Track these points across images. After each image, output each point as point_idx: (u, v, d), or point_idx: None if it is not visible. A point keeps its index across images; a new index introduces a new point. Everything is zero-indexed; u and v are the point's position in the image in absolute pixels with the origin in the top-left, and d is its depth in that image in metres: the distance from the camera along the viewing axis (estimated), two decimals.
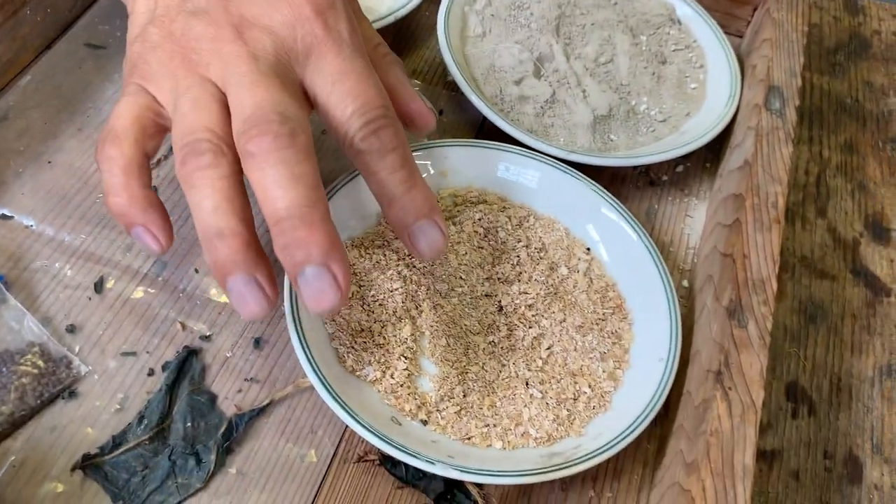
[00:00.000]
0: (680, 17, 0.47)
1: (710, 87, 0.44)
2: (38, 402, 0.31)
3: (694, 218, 0.41)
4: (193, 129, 0.27)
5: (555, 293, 0.35)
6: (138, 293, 0.34)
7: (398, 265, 0.34)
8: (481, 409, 0.32)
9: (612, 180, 0.42)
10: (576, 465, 0.29)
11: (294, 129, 0.27)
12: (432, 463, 0.28)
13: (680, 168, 0.43)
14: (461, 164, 0.38)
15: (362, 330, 0.33)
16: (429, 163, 0.38)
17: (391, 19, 0.43)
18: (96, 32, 0.43)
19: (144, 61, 0.30)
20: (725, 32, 0.48)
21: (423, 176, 0.36)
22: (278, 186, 0.26)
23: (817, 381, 0.37)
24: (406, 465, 0.30)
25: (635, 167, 0.42)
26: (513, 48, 0.43)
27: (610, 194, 0.37)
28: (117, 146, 0.29)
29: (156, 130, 0.30)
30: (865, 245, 0.42)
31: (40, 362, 0.31)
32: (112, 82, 0.41)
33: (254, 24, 0.29)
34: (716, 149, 0.43)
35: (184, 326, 0.34)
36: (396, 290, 0.33)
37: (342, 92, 0.29)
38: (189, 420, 0.31)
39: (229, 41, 0.28)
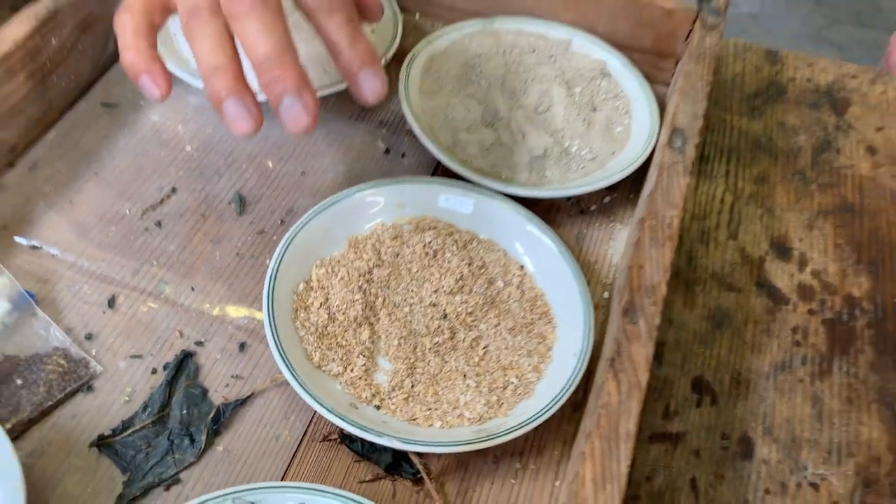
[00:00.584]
0: (610, 71, 0.54)
1: (633, 130, 0.51)
2: (62, 394, 0.37)
3: (617, 240, 0.48)
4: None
5: (491, 302, 0.42)
6: (144, 307, 0.41)
7: (359, 280, 0.41)
8: (426, 396, 0.38)
9: (548, 210, 0.49)
10: (499, 437, 0.36)
11: None
12: (380, 436, 0.35)
13: (607, 199, 0.50)
14: (417, 197, 0.45)
15: (327, 333, 0.39)
16: (389, 196, 0.45)
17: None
18: (110, 93, 0.51)
19: None
20: (653, 82, 0.56)
21: (383, 206, 0.44)
22: (257, 37, 0.33)
23: (720, 376, 0.44)
24: (362, 441, 0.37)
25: (568, 198, 0.49)
26: (464, 101, 0.51)
27: (540, 220, 0.44)
28: (130, 14, 0.36)
29: (161, 6, 0.37)
30: (770, 262, 0.49)
31: (63, 363, 0.38)
32: (123, 135, 0.49)
33: None
34: (640, 181, 0.50)
35: (181, 334, 0.41)
36: (357, 300, 0.40)
37: None
38: (185, 408, 0.38)
39: None
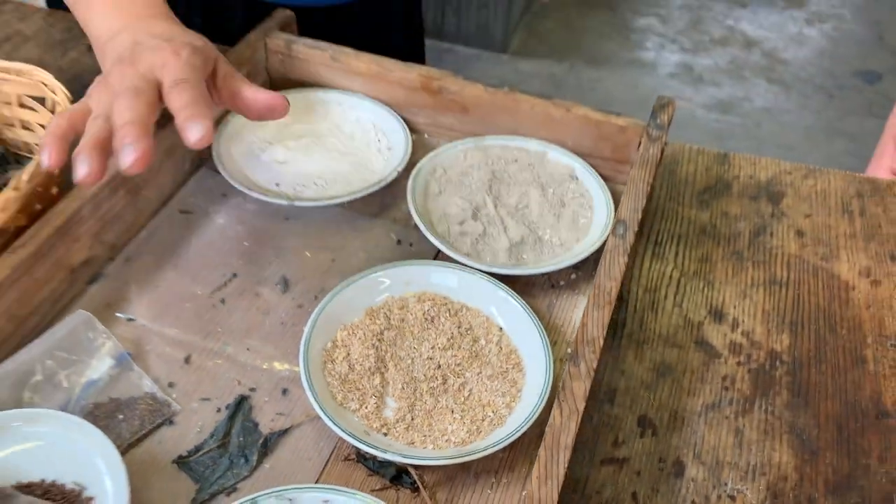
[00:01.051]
0: (577, 175, 0.68)
1: (594, 221, 0.64)
2: (151, 426, 0.50)
3: (580, 309, 0.60)
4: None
5: (475, 356, 0.54)
6: (211, 363, 0.55)
7: (373, 340, 0.54)
8: (422, 426, 0.50)
9: (525, 285, 0.61)
10: (477, 454, 0.47)
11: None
12: (386, 453, 0.47)
13: (573, 276, 0.62)
14: (418, 276, 0.58)
15: (348, 380, 0.52)
16: (397, 277, 0.58)
17: (381, 184, 0.65)
18: (186, 203, 0.66)
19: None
20: (614, 182, 0.69)
21: (393, 284, 0.57)
22: (122, 112, 0.48)
23: (661, 414, 0.55)
24: (373, 458, 0.49)
25: (542, 275, 0.62)
26: (458, 201, 0.64)
27: (514, 292, 0.57)
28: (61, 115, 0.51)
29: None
30: (707, 325, 0.61)
31: (152, 403, 0.51)
32: (196, 235, 0.63)
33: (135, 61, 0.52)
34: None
35: (239, 383, 0.54)
36: (371, 355, 0.53)
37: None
38: (241, 436, 0.50)
39: (128, 73, 0.51)
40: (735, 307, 0.62)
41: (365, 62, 0.72)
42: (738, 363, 0.58)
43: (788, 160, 0.75)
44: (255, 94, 0.56)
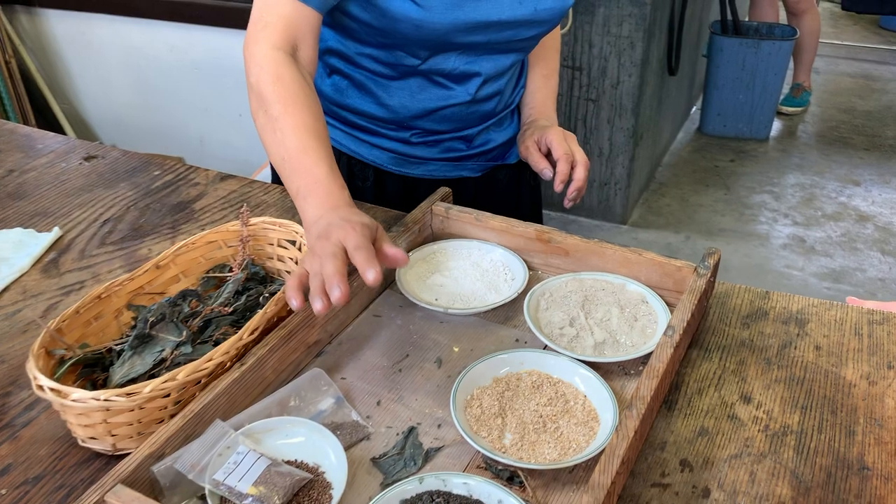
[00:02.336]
0: (647, 300, 0.95)
1: (658, 331, 0.91)
2: (356, 440, 0.80)
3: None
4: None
5: (566, 411, 0.81)
6: (393, 406, 0.84)
7: (497, 396, 0.82)
8: (528, 450, 0.77)
9: (605, 373, 0.88)
10: (564, 464, 0.73)
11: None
12: (504, 459, 0.74)
13: (641, 367, 0.88)
14: (530, 359, 0.87)
15: (481, 420, 0.80)
16: (516, 360, 0.87)
17: (506, 300, 0.95)
18: (378, 310, 0.98)
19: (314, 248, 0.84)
20: (675, 306, 0.96)
21: (512, 364, 0.86)
22: (323, 265, 0.80)
23: (697, 459, 0.78)
24: (496, 466, 0.76)
25: (617, 364, 0.88)
26: (559, 314, 0.93)
27: (594, 371, 0.84)
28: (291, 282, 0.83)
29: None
30: (738, 406, 0.84)
31: (356, 426, 0.81)
32: (385, 331, 0.95)
33: (348, 237, 0.82)
34: None
35: (410, 419, 0.82)
36: (495, 404, 0.81)
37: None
38: (411, 449, 0.79)
39: (326, 245, 0.82)
40: (760, 395, 0.86)
41: (498, 221, 1.05)
42: (758, 430, 0.81)
43: None
44: (387, 250, 0.88)
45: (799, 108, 4.10)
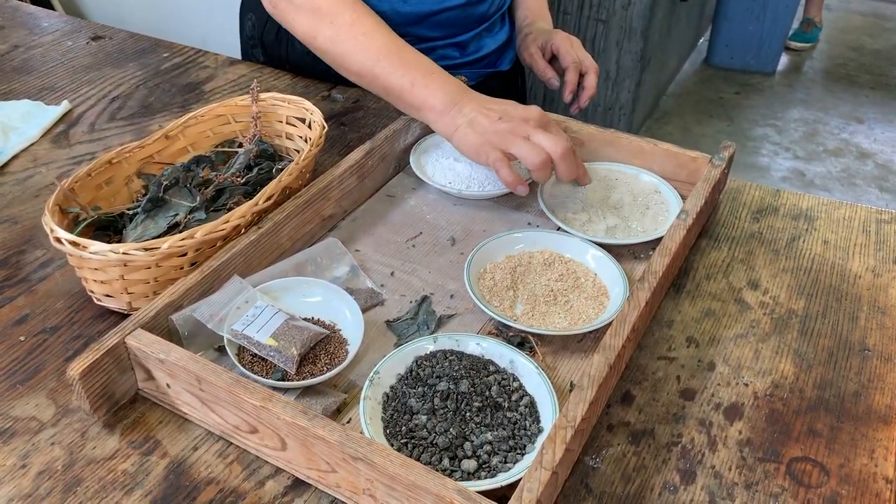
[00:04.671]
0: (660, 190, 0.96)
1: (668, 220, 0.92)
2: (370, 304, 0.81)
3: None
4: (538, 152, 0.84)
5: (577, 286, 0.82)
6: (407, 276, 0.85)
7: (509, 270, 0.83)
8: (538, 320, 0.78)
9: (616, 255, 0.88)
10: (573, 331, 0.75)
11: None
12: (515, 325, 0.75)
13: (650, 252, 0.90)
14: (543, 239, 0.87)
15: (494, 289, 0.81)
16: (528, 239, 0.87)
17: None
18: (391, 190, 0.98)
19: (491, 140, 0.86)
20: (685, 194, 0.97)
21: (525, 244, 0.86)
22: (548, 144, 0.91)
23: (703, 336, 0.80)
24: (507, 331, 0.77)
25: (627, 246, 0.89)
26: (575, 202, 0.94)
27: (606, 251, 0.85)
28: (503, 165, 0.86)
29: (507, 159, 0.86)
30: (745, 291, 0.86)
31: (371, 292, 0.82)
32: (397, 210, 0.95)
33: (528, 119, 0.87)
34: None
35: (423, 289, 0.84)
36: (507, 277, 0.82)
37: (561, 135, 0.86)
38: (425, 314, 0.80)
39: (525, 125, 0.85)
40: (767, 282, 0.87)
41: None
42: (764, 313, 0.83)
43: None
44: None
45: (808, 45, 4.04)
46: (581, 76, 1.17)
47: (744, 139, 3.29)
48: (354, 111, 1.19)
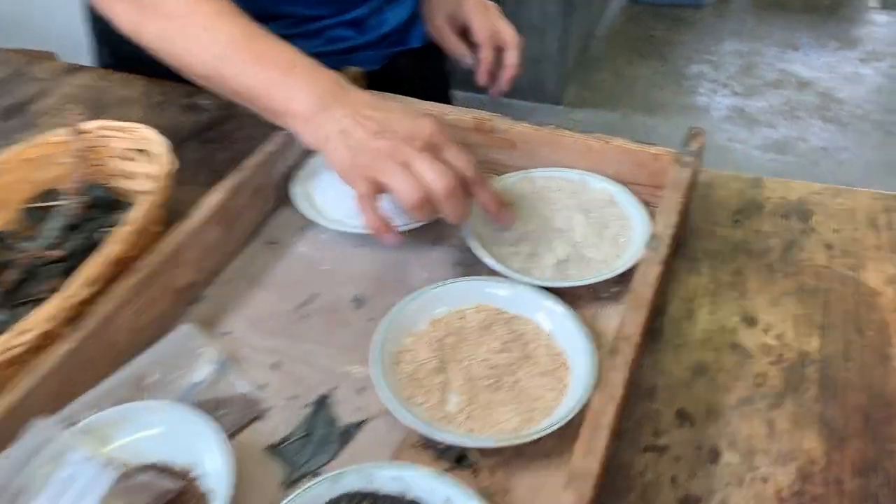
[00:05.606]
0: (616, 200, 0.75)
1: (633, 241, 0.71)
2: (246, 420, 0.59)
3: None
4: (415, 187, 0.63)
5: (526, 358, 0.61)
6: (296, 368, 0.63)
7: (436, 345, 0.61)
8: (480, 417, 0.57)
9: (572, 298, 0.68)
10: (527, 438, 0.54)
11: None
12: (447, 437, 0.54)
13: (615, 289, 0.69)
14: (476, 291, 0.66)
15: (415, 379, 0.59)
16: (458, 291, 0.66)
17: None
18: (272, 234, 0.75)
19: (362, 164, 0.64)
20: (652, 206, 0.76)
21: (454, 298, 0.64)
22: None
23: (698, 409, 0.60)
24: (438, 444, 0.56)
25: (586, 287, 0.68)
26: (515, 232, 0.72)
27: (560, 300, 0.64)
28: (368, 204, 0.64)
29: (380, 191, 0.65)
30: (741, 330, 0.66)
31: (246, 401, 0.60)
32: (281, 262, 0.72)
33: (414, 137, 0.64)
34: None
35: (321, 384, 0.61)
36: (434, 357, 0.60)
37: (461, 159, 0.65)
38: (323, 428, 0.58)
39: (407, 147, 0.63)
40: (767, 314, 0.67)
41: (427, 107, 0.81)
42: (770, 362, 0.63)
43: None
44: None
45: None
46: (500, 51, 0.95)
47: (680, 78, 3.11)
48: (225, 122, 0.94)
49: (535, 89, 2.87)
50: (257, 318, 0.67)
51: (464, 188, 0.66)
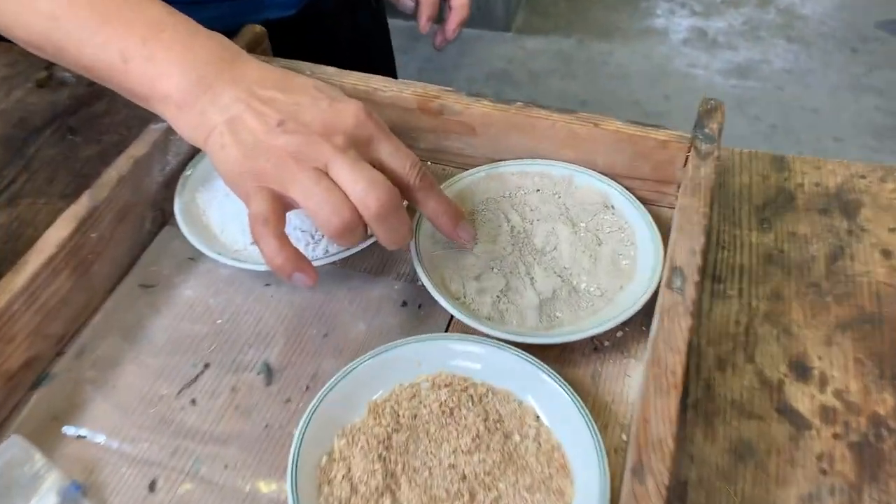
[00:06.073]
0: (612, 203, 0.56)
1: (639, 262, 0.53)
2: None
3: (632, 377, 0.49)
4: (336, 204, 0.43)
5: (509, 458, 0.43)
6: (182, 489, 0.44)
7: (379, 448, 0.43)
8: None
9: (562, 350, 0.50)
10: None
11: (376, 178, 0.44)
12: None
13: (620, 334, 0.51)
14: (431, 354, 0.47)
15: None
16: (406, 356, 0.47)
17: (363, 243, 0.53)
18: (147, 274, 0.55)
19: (259, 169, 0.44)
20: (659, 206, 0.58)
21: (401, 366, 0.46)
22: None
23: None
24: None
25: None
26: (472, 249, 0.53)
27: (550, 369, 0.46)
28: (268, 226, 0.43)
29: (284, 209, 0.45)
30: (789, 384, 0.49)
31: None
32: (160, 313, 0.52)
33: (333, 130, 0.45)
34: (651, 312, 0.51)
35: None
36: (377, 469, 0.42)
37: (400, 157, 0.46)
38: None
39: (324, 144, 0.44)
40: (820, 358, 0.51)
41: (351, 81, 0.61)
42: (835, 435, 0.47)
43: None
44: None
45: None
46: None
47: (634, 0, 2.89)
48: (93, 101, 0.72)
49: (483, 15, 2.62)
50: (126, 409, 0.48)
51: (406, 196, 0.47)
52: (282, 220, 0.45)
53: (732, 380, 0.50)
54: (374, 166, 0.45)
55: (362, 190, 0.44)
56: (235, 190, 0.47)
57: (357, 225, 0.44)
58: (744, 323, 0.53)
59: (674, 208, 0.58)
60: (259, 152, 0.45)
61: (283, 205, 0.45)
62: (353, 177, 0.44)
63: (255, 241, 0.44)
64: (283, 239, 0.44)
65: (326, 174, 0.44)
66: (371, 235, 0.48)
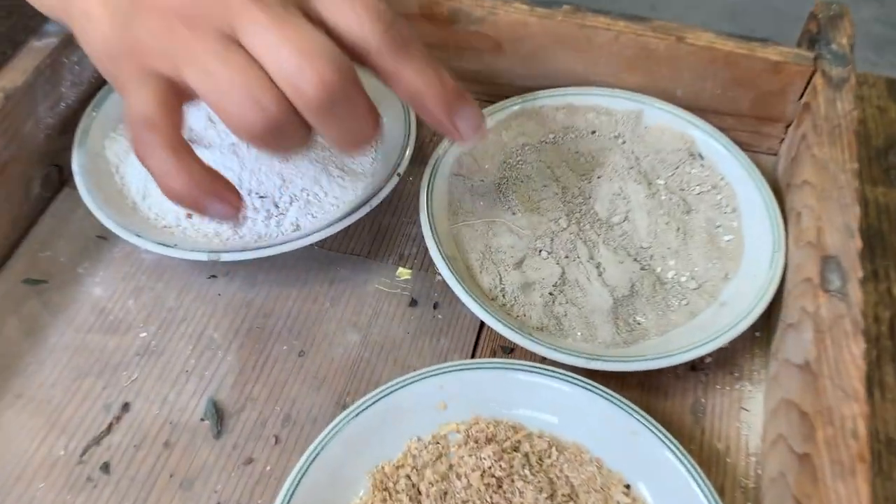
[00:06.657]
0: (701, 150, 0.40)
1: (747, 238, 0.37)
2: None
3: (750, 411, 0.34)
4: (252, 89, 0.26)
5: None
6: None
7: None
8: None
9: (647, 372, 0.35)
10: None
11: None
12: None
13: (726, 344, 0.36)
14: (462, 390, 0.32)
15: None
16: (424, 396, 0.31)
17: (372, 203, 0.37)
18: (36, 264, 0.38)
19: (138, 45, 0.28)
20: (756, 151, 0.42)
21: (417, 412, 0.30)
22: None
23: None
24: None
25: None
26: (509, 220, 0.37)
27: (641, 411, 0.31)
28: (156, 132, 0.27)
29: (180, 103, 0.28)
30: None
31: None
32: (56, 325, 0.36)
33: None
34: (769, 309, 0.36)
35: None
36: None
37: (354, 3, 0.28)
38: None
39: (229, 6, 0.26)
40: None
41: None
42: None
43: None
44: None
45: None
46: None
47: None
48: None
49: None
50: (3, 482, 0.31)
51: (367, 66, 0.29)
52: (176, 121, 0.28)
53: (884, 407, 0.35)
54: (315, 23, 0.27)
55: (293, 64, 0.26)
56: (112, 82, 0.31)
57: (287, 122, 0.27)
58: (886, 319, 0.38)
59: (775, 155, 0.42)
60: (136, 18, 0.28)
61: (177, 96, 0.28)
62: (277, 42, 0.26)
63: (140, 158, 0.28)
64: (182, 149, 0.27)
65: (237, 42, 0.27)
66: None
